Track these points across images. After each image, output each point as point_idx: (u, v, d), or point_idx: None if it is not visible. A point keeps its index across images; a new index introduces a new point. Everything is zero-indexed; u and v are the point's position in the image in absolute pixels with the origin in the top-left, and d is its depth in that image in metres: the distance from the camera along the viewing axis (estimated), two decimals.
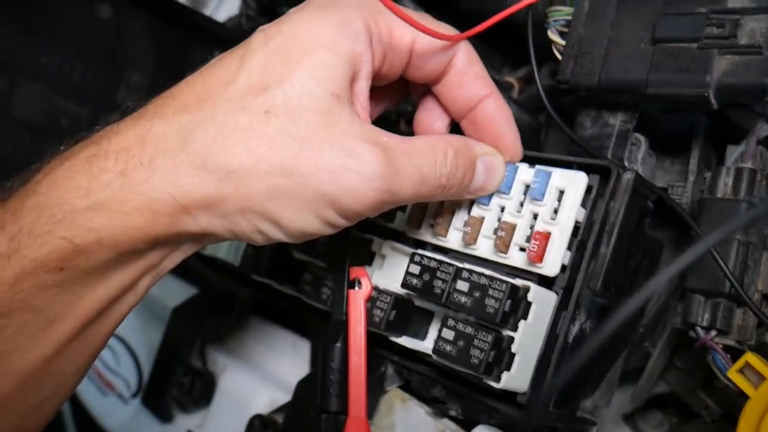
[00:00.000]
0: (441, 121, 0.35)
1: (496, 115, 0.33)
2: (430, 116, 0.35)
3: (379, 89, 0.32)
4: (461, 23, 0.57)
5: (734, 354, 0.32)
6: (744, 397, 0.29)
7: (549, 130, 0.50)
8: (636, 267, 0.34)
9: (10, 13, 0.45)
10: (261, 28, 0.30)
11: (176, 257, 0.30)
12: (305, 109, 0.27)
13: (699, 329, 0.32)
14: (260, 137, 0.27)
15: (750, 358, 0.27)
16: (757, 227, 0.32)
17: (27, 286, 0.26)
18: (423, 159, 0.29)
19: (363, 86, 0.30)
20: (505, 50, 0.60)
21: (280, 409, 0.42)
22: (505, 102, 0.33)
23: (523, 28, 0.57)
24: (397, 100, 0.37)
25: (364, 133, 0.28)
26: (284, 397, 0.43)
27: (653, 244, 0.37)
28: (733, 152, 0.33)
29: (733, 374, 0.27)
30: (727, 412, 0.39)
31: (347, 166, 0.27)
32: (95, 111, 0.51)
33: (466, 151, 0.31)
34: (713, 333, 0.32)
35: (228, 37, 0.54)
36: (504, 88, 0.45)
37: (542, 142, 0.48)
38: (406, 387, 0.38)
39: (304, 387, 0.39)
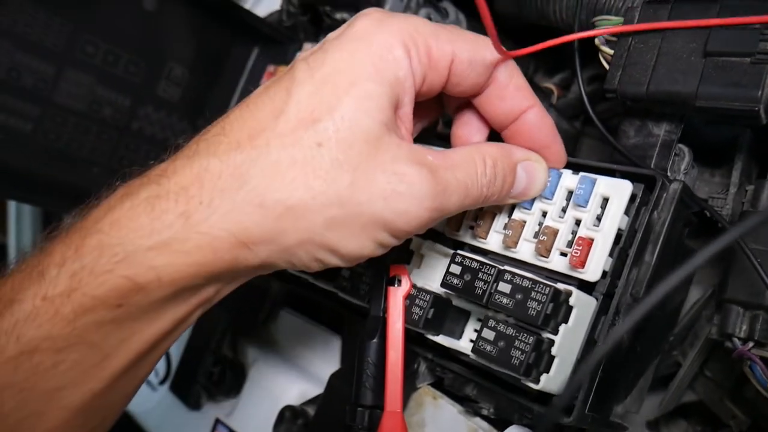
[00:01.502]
0: (480, 134, 0.35)
1: (539, 125, 0.33)
2: (468, 130, 0.35)
3: (417, 105, 0.33)
4: (500, 26, 0.58)
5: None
6: None
7: (582, 138, 0.50)
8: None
9: (61, 4, 0.46)
10: (302, 57, 0.30)
11: (230, 288, 0.31)
12: (356, 140, 0.28)
13: (736, 340, 0.33)
14: (315, 171, 0.27)
15: None
16: None
17: (85, 322, 0.27)
18: (465, 172, 0.30)
19: (407, 110, 0.31)
20: (538, 55, 0.61)
21: (310, 401, 0.42)
22: (546, 111, 0.34)
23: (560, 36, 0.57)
24: (436, 115, 0.37)
25: (411, 156, 0.29)
26: (314, 390, 0.43)
27: (690, 254, 0.37)
28: None
29: None
30: (756, 423, 0.39)
31: (399, 190, 0.28)
32: (136, 101, 0.52)
33: (505, 159, 0.32)
34: (750, 344, 0.33)
35: (268, 33, 0.55)
36: (544, 94, 0.45)
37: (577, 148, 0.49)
38: (438, 385, 0.39)
39: (336, 380, 0.40)
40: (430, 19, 0.50)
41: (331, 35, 0.31)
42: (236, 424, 0.45)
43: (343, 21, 0.51)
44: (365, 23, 0.30)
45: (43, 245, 0.28)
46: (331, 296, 0.41)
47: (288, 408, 0.41)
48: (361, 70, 0.28)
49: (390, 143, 0.28)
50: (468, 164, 0.30)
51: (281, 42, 0.55)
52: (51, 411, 0.27)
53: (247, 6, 0.62)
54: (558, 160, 0.34)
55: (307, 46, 0.50)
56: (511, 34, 0.58)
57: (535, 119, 0.33)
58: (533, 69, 0.61)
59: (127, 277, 0.27)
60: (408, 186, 0.28)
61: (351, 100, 0.28)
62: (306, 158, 0.27)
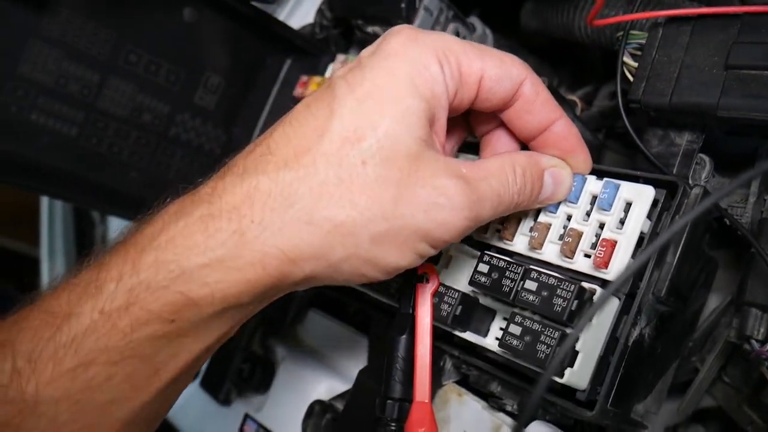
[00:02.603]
0: (509, 146, 0.36)
1: (566, 134, 0.35)
2: (497, 142, 0.37)
3: (448, 121, 0.34)
4: (525, 41, 0.60)
5: None
6: None
7: (605, 150, 0.52)
8: (694, 280, 0.36)
9: (108, 15, 0.49)
10: (340, 74, 0.31)
11: (268, 302, 0.32)
12: (398, 156, 0.29)
13: (754, 342, 0.34)
14: (362, 188, 0.29)
15: None
16: None
17: (139, 336, 0.28)
18: (497, 181, 0.31)
19: (442, 124, 0.32)
20: (561, 70, 0.62)
21: (338, 397, 0.44)
22: (571, 121, 0.35)
23: (584, 52, 0.59)
24: (463, 133, 0.39)
25: (448, 169, 0.30)
26: (341, 387, 0.45)
27: (709, 261, 0.38)
28: None
29: None
30: None
31: (439, 202, 0.29)
32: (174, 109, 0.54)
33: (534, 167, 0.33)
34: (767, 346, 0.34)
35: (301, 44, 0.57)
36: (569, 106, 0.47)
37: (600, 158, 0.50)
38: (463, 382, 0.40)
39: (364, 376, 0.41)
40: (457, 34, 0.52)
41: (365, 52, 0.32)
42: (265, 419, 0.47)
43: (375, 35, 0.54)
44: (399, 40, 0.31)
45: (98, 259, 0.29)
46: (359, 295, 0.43)
47: (317, 402, 0.43)
48: (400, 86, 0.30)
49: (429, 158, 0.30)
50: (500, 173, 0.32)
51: (314, 54, 0.57)
52: (103, 423, 0.29)
53: (281, 17, 0.64)
54: (584, 167, 0.35)
55: (340, 57, 0.52)
56: (534, 48, 0.60)
57: (562, 130, 0.34)
58: (557, 83, 0.62)
59: (182, 293, 0.28)
60: (447, 198, 0.29)
61: (392, 117, 0.29)
62: (352, 177, 0.29)
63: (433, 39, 0.31)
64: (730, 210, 0.38)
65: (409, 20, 0.50)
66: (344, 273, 0.30)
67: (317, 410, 0.42)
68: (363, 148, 0.29)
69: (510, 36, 0.58)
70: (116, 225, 0.78)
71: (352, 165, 0.29)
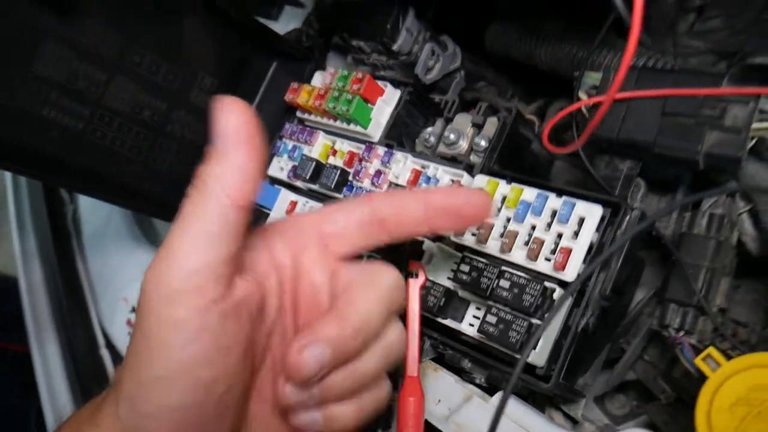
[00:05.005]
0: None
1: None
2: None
3: None
4: (487, 56, 0.66)
5: (694, 349, 0.43)
6: (697, 382, 0.40)
7: (555, 160, 0.60)
8: (629, 278, 0.45)
9: (119, 20, 0.53)
10: None
11: None
12: None
13: (671, 330, 0.43)
14: None
15: (711, 350, 0.38)
16: (720, 257, 0.43)
17: None
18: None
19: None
20: (516, 83, 0.70)
21: None
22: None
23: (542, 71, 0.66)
24: None
25: None
26: None
27: (639, 261, 0.47)
28: (708, 200, 0.43)
29: (699, 362, 0.38)
30: (679, 396, 0.50)
31: None
32: (171, 106, 0.58)
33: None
34: (681, 333, 0.43)
35: (287, 50, 0.62)
36: (528, 125, 0.55)
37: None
38: (438, 359, 0.48)
39: None
40: (433, 53, 0.59)
41: None
42: None
43: (359, 48, 0.60)
44: None
45: None
46: None
47: None
48: None
49: None
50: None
51: (299, 59, 0.63)
52: None
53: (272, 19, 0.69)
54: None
55: (330, 70, 0.58)
56: (494, 62, 0.67)
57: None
58: (511, 94, 0.70)
59: None
60: None
61: None
62: None
63: None
64: (657, 223, 0.47)
65: (393, 39, 0.56)
66: None
67: None
68: None
69: (475, 52, 0.65)
70: (86, 202, 0.81)
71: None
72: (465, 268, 0.43)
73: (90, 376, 0.67)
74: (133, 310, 0.66)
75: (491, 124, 0.51)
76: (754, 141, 0.40)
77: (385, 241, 0.36)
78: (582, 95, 0.46)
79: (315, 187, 0.55)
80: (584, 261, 0.42)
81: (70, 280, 0.76)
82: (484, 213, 0.36)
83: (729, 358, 0.38)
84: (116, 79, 0.55)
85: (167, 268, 0.29)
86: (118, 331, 0.68)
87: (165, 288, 0.29)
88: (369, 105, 0.54)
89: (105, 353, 0.67)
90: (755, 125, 0.39)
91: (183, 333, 0.29)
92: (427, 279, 0.44)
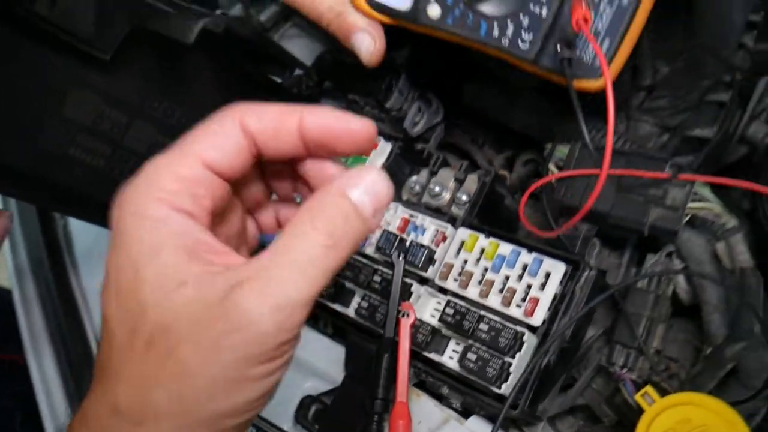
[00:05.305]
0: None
1: (322, 121, 0.32)
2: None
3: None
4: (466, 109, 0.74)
5: (634, 384, 0.52)
6: (636, 412, 0.48)
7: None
8: (584, 325, 0.53)
9: (142, 71, 0.58)
10: None
11: None
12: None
13: (617, 367, 0.52)
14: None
15: (649, 388, 0.46)
16: (658, 307, 0.52)
17: None
18: (301, 254, 0.28)
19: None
20: (487, 134, 0.78)
21: (324, 393, 0.57)
22: (320, 106, 0.34)
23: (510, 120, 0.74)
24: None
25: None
26: (325, 386, 0.58)
27: (592, 308, 0.56)
28: (650, 260, 0.52)
29: (638, 397, 0.47)
30: (620, 420, 0.59)
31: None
32: None
33: (329, 201, 0.30)
34: (624, 370, 0.52)
35: (288, 97, 0.69)
36: (500, 180, 0.63)
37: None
38: (420, 385, 0.55)
39: (348, 378, 0.56)
40: (419, 110, 0.66)
41: None
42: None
43: (354, 101, 0.67)
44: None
45: None
46: (345, 319, 0.57)
47: (308, 397, 0.56)
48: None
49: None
50: (298, 243, 0.29)
51: (300, 101, 0.69)
52: None
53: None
54: (366, 132, 0.33)
55: None
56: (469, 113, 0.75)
57: (316, 121, 0.32)
58: (482, 141, 0.78)
59: None
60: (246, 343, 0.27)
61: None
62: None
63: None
64: (607, 274, 0.56)
65: (386, 98, 0.64)
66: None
67: (307, 403, 0.56)
68: (137, 335, 0.28)
69: (453, 103, 0.73)
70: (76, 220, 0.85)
71: (141, 353, 0.28)
72: (450, 311, 0.51)
73: (87, 386, 0.71)
74: None
75: (471, 181, 0.59)
76: (688, 217, 0.49)
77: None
78: (552, 167, 0.54)
79: None
80: (549, 308, 0.50)
81: (63, 294, 0.80)
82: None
83: (663, 393, 0.46)
84: (136, 122, 0.60)
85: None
86: None
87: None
88: (364, 156, 0.61)
89: None
90: (690, 205, 0.48)
91: None
92: (416, 319, 0.52)
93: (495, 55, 0.45)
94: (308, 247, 0.28)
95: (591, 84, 0.43)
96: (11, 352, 0.88)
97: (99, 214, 0.63)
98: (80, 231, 0.84)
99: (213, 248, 0.29)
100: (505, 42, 0.43)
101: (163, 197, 0.29)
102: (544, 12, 0.42)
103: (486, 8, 0.43)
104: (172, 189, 0.29)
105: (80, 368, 0.74)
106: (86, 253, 0.83)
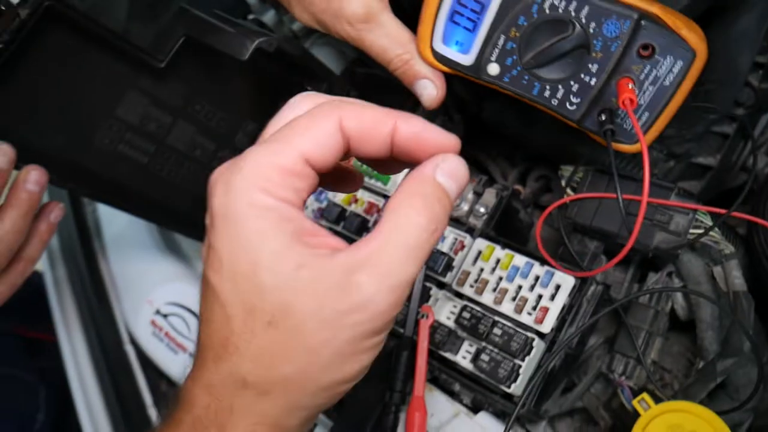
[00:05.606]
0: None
1: (415, 129, 0.33)
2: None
3: None
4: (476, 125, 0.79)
5: (631, 390, 0.56)
6: (631, 416, 0.53)
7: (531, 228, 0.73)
8: (588, 333, 0.58)
9: (188, 76, 0.62)
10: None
11: None
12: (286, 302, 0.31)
13: (616, 374, 0.57)
14: (282, 346, 0.31)
15: (645, 395, 0.51)
16: (657, 322, 0.57)
17: None
18: (402, 234, 0.31)
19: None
20: (499, 150, 0.82)
21: None
22: (410, 115, 0.35)
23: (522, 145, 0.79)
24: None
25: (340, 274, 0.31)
26: None
27: (596, 319, 0.61)
28: (652, 278, 0.57)
29: (635, 403, 0.51)
30: (614, 424, 0.64)
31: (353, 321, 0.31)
32: (218, 147, 0.69)
33: (425, 188, 0.32)
34: (623, 377, 0.56)
35: None
36: (516, 195, 0.67)
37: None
38: (433, 381, 0.60)
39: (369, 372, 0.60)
40: (443, 125, 0.71)
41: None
42: None
43: None
44: (217, 197, 0.33)
45: None
46: None
47: None
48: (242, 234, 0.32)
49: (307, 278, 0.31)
50: (399, 225, 0.31)
51: None
52: None
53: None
54: (454, 146, 0.34)
55: None
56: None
57: (407, 126, 0.33)
58: (495, 154, 0.83)
59: None
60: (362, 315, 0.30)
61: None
62: (268, 340, 0.31)
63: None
64: (611, 289, 0.60)
65: (413, 112, 0.68)
66: (324, 396, 0.32)
67: None
68: (257, 315, 0.30)
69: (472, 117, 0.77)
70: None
71: (262, 332, 0.30)
72: (466, 315, 0.55)
73: (115, 366, 0.76)
74: (157, 312, 0.76)
75: (489, 194, 0.63)
76: (690, 241, 0.53)
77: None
78: (569, 191, 0.59)
79: (338, 228, 0.67)
80: (557, 318, 0.54)
81: (93, 278, 0.84)
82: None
83: (657, 401, 0.51)
84: (179, 123, 0.64)
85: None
86: (141, 330, 0.77)
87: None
88: None
89: (129, 349, 0.77)
90: (691, 230, 0.52)
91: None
92: (434, 320, 0.56)
93: (543, 109, 0.49)
94: (415, 232, 0.31)
95: (628, 147, 0.49)
96: (38, 331, 0.93)
97: (142, 206, 0.68)
98: (108, 217, 0.88)
99: (313, 232, 0.32)
100: (554, 102, 0.48)
101: (267, 187, 0.31)
102: (593, 82, 0.46)
103: (541, 72, 0.47)
104: (275, 180, 0.31)
105: (108, 348, 0.78)
106: (114, 238, 0.87)
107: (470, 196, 0.64)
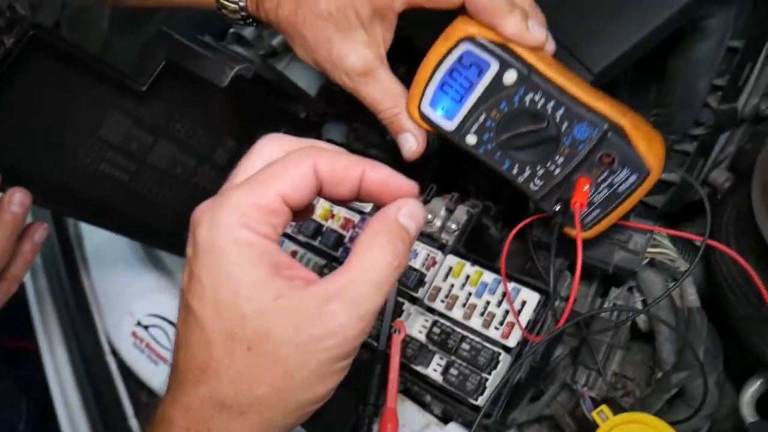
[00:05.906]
0: None
1: (381, 177, 0.37)
2: None
3: None
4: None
5: (593, 401, 0.59)
6: (593, 426, 0.56)
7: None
8: (552, 347, 0.61)
9: (170, 97, 0.64)
10: (184, 289, 0.36)
11: None
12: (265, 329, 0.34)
13: (579, 385, 0.59)
14: (260, 369, 0.34)
15: (604, 407, 0.54)
16: (617, 335, 0.60)
17: None
18: (369, 269, 0.35)
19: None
20: (469, 176, 0.85)
21: None
22: (375, 163, 0.38)
23: None
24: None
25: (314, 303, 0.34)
26: None
27: (560, 333, 0.64)
28: (614, 292, 0.60)
29: (594, 414, 0.54)
30: (579, 431, 0.67)
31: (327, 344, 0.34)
32: (199, 163, 0.71)
33: (390, 227, 0.36)
34: (585, 388, 0.59)
35: (298, 125, 0.75)
36: (486, 211, 0.70)
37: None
38: (405, 392, 0.63)
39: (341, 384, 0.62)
40: None
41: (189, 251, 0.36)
42: None
43: (357, 129, 0.73)
44: (202, 232, 0.35)
45: None
46: None
47: None
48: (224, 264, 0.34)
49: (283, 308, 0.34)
50: (367, 262, 0.35)
51: (305, 128, 0.76)
52: None
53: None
54: (412, 190, 0.39)
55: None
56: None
57: (375, 174, 0.37)
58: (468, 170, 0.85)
59: None
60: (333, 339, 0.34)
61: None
62: (246, 364, 0.33)
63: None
64: (576, 302, 0.63)
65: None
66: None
67: None
68: (237, 341, 0.33)
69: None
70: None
71: (241, 357, 0.33)
72: (437, 330, 0.58)
73: (97, 377, 0.77)
74: (138, 323, 0.78)
75: (461, 211, 0.66)
76: (648, 259, 0.56)
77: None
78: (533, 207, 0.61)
79: (315, 243, 0.69)
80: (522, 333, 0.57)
81: (75, 289, 0.86)
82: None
83: (618, 409, 0.54)
84: (160, 142, 0.66)
85: None
86: (122, 341, 0.79)
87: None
88: None
89: (111, 360, 0.78)
90: (649, 249, 0.55)
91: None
92: (407, 335, 0.59)
93: (509, 181, 0.53)
94: (381, 267, 0.35)
95: (573, 233, 0.52)
96: (20, 341, 0.94)
97: (124, 223, 0.70)
98: (90, 229, 0.90)
99: (289, 265, 0.35)
100: (520, 179, 0.52)
101: (249, 224, 0.34)
102: (557, 172, 0.50)
103: (513, 153, 0.51)
104: (256, 217, 0.34)
105: (90, 358, 0.79)
106: (96, 250, 0.88)
107: (442, 212, 0.66)
